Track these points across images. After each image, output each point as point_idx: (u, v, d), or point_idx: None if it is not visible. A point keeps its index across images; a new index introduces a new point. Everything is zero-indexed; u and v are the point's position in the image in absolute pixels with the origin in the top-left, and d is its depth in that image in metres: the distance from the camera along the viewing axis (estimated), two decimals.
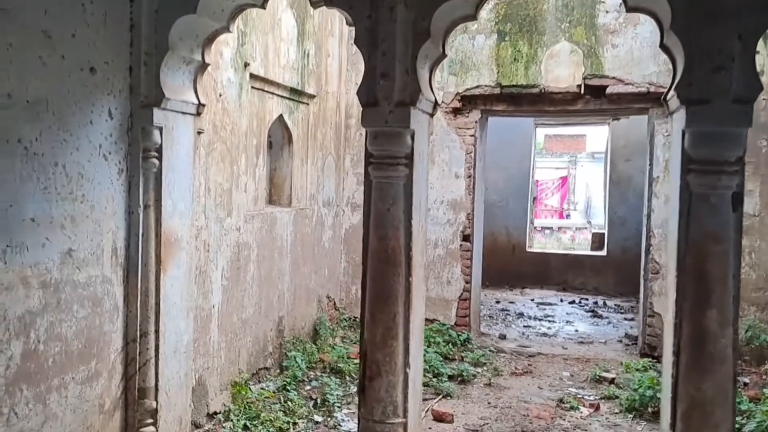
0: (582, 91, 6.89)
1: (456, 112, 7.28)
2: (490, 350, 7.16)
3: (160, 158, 3.93)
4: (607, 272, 11.67)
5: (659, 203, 6.70)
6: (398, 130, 3.42)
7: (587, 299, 10.87)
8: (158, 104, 3.86)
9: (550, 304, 10.42)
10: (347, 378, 5.99)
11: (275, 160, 6.21)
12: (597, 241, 12.87)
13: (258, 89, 5.51)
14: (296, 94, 6.24)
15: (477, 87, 7.20)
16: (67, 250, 3.41)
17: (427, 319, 7.26)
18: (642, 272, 6.91)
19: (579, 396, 5.99)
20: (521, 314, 9.51)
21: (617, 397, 5.81)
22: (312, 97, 6.57)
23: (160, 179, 3.94)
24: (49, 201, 3.29)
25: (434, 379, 6.04)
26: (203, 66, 4.14)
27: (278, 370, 6.00)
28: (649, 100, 6.81)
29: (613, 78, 6.86)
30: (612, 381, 6.30)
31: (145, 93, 3.85)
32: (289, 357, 5.98)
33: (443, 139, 7.29)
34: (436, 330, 7.12)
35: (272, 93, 5.80)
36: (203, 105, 4.26)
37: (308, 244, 6.67)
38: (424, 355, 6.40)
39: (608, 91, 6.84)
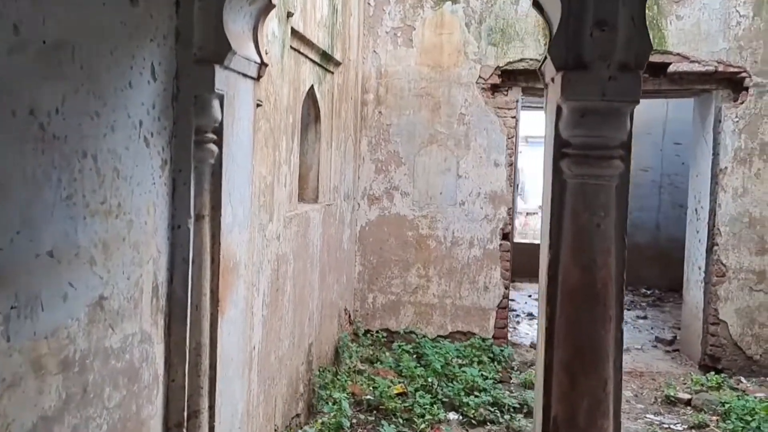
0: None
1: (494, 89, 6.15)
2: (532, 365, 6.15)
3: (219, 143, 2.58)
4: None
5: (727, 198, 5.88)
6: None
7: None
8: (221, 60, 2.49)
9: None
10: (399, 421, 4.78)
11: (301, 144, 4.86)
12: None
13: (295, 50, 4.16)
14: (326, 60, 4.91)
15: (520, 60, 6.09)
16: (97, 299, 2.04)
17: (460, 332, 6.17)
18: (704, 275, 6.10)
19: (666, 426, 5.08)
20: (531, 315, 8.61)
21: (715, 427, 4.94)
22: (338, 64, 5.25)
23: (218, 175, 2.59)
24: (75, 219, 1.90)
25: (498, 412, 4.96)
26: (269, 6, 2.80)
27: (307, 413, 4.72)
28: (715, 81, 5.95)
29: (677, 54, 5.92)
30: (688, 402, 5.44)
31: (200, 42, 2.47)
32: (322, 397, 4.71)
33: (480, 120, 6.14)
34: (477, 346, 6.03)
35: (306, 56, 4.45)
36: (265, 65, 2.91)
37: (333, 247, 5.39)
38: (473, 378, 5.33)
39: (671, 69, 5.90)
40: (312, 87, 4.66)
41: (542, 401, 2.47)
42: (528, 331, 7.61)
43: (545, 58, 2.66)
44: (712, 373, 5.90)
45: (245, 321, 2.94)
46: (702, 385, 5.64)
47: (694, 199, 6.40)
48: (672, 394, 5.53)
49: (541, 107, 11.89)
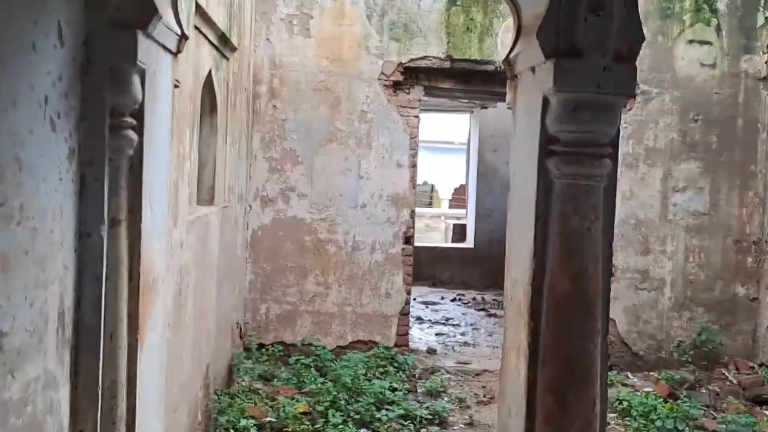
0: None
1: (396, 86, 5.92)
2: (434, 372, 6.00)
3: (139, 129, 2.07)
4: (474, 265, 11.21)
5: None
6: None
7: (464, 295, 10.28)
8: (144, 25, 1.99)
9: (435, 303, 9.58)
10: None
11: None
12: (459, 232, 12.39)
13: (197, 29, 3.62)
14: (223, 44, 4.38)
15: (423, 58, 5.91)
16: None
17: (361, 342, 5.88)
18: None
19: None
20: (420, 318, 8.52)
21: (616, 425, 5.06)
22: (234, 50, 4.73)
23: (138, 169, 2.08)
24: None
25: (411, 426, 4.71)
26: None
27: None
28: None
29: None
30: None
31: (118, 1, 1.95)
32: (221, 424, 4.18)
33: (383, 118, 5.88)
34: (381, 356, 5.74)
35: (206, 37, 3.92)
36: (185, 38, 2.42)
37: (228, 255, 4.84)
38: (381, 390, 5.04)
39: None
40: (210, 73, 4.12)
41: (524, 426, 2.22)
42: (420, 336, 7.47)
43: (512, 47, 2.45)
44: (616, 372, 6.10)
45: (162, 348, 2.42)
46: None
47: None
48: None
49: (444, 110, 11.76)
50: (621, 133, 5.75)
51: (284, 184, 5.82)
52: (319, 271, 5.89)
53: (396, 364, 5.74)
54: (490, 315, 8.82)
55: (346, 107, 5.83)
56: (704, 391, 5.61)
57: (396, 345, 6.00)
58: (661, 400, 5.19)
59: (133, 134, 2.03)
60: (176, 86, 2.68)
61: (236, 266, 5.30)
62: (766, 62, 6.08)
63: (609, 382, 5.60)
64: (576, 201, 2.13)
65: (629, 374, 6.08)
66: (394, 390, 5.15)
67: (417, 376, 5.85)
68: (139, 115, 2.05)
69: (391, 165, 5.89)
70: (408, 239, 6.00)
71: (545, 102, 2.17)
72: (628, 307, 6.14)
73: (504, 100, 5.65)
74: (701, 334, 6.06)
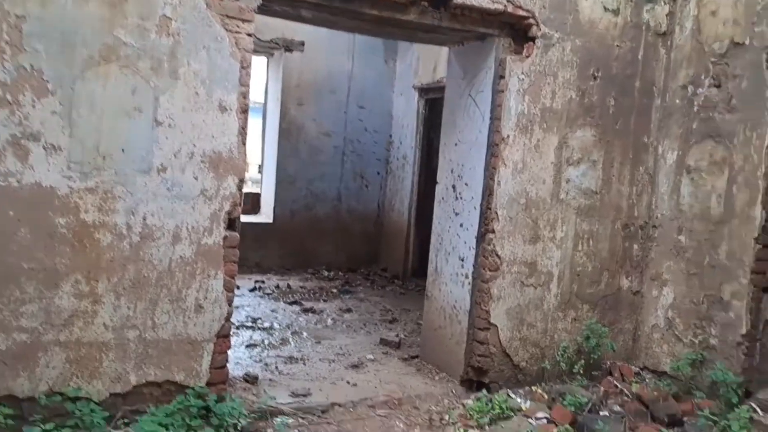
0: None
1: None
2: (265, 418, 4.08)
3: None
4: (273, 243, 9.33)
5: (507, 174, 4.72)
6: None
7: (263, 282, 8.39)
8: None
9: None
10: None
11: None
12: (250, 203, 10.27)
13: None
14: None
15: None
16: None
17: (153, 385, 3.80)
18: (472, 268, 4.88)
19: None
20: (254, 321, 6.46)
21: None
22: None
23: None
24: None
25: None
26: None
27: None
28: (499, 25, 4.62)
29: None
30: None
31: None
32: None
33: (198, 32, 3.66)
34: (186, 408, 3.64)
35: None
36: None
37: None
38: None
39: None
40: None
41: None
42: (250, 355, 5.41)
43: None
44: (483, 391, 4.76)
45: None
46: (481, 412, 4.41)
47: (451, 174, 5.13)
48: None
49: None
50: (516, 87, 4.35)
51: (19, 128, 3.33)
52: (81, 276, 3.55)
53: (216, 419, 3.70)
54: (306, 311, 7.05)
55: (135, 6, 3.51)
56: (607, 414, 4.57)
57: (210, 384, 3.94)
58: None
59: None
60: None
61: None
62: (667, 14, 5.15)
63: (500, 410, 4.31)
64: None
65: (510, 392, 4.82)
66: None
67: (242, 429, 3.89)
68: None
69: (209, 107, 3.72)
70: (232, 222, 3.94)
71: None
72: (512, 309, 4.85)
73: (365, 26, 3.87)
74: (589, 339, 5.04)
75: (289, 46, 9.13)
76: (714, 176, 4.85)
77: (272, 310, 7.01)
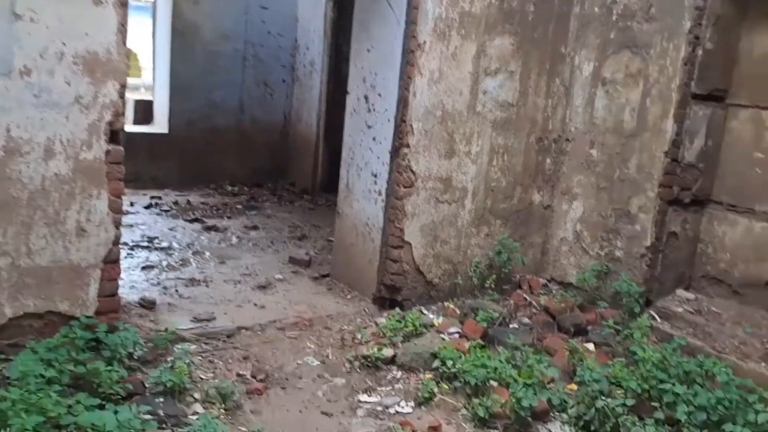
0: None
1: None
2: (163, 345, 3.79)
3: None
4: (170, 156, 8.67)
5: (423, 84, 4.43)
6: None
7: (160, 198, 7.83)
8: None
9: (123, 212, 6.94)
10: None
11: None
12: (141, 111, 9.44)
13: None
14: None
15: None
16: None
17: (33, 316, 3.39)
18: (385, 185, 4.65)
19: (391, 409, 3.61)
20: (150, 241, 5.96)
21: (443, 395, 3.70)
22: None
23: None
24: None
25: None
26: None
27: None
28: None
29: None
30: (393, 360, 4.08)
31: None
32: None
33: None
34: (76, 340, 3.28)
35: None
36: None
37: None
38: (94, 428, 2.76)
39: None
40: None
41: None
42: (147, 278, 5.00)
43: None
44: (396, 309, 4.66)
45: None
46: (394, 330, 4.32)
47: (363, 83, 4.77)
48: (372, 353, 4.04)
49: None
50: None
51: None
52: None
53: (108, 351, 3.37)
54: (209, 228, 6.65)
55: None
56: (517, 326, 4.61)
57: (100, 313, 3.57)
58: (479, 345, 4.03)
59: None
60: None
61: None
62: None
63: (413, 328, 4.24)
64: None
65: (423, 309, 4.77)
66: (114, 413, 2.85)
67: (139, 359, 3.59)
68: None
69: None
70: (115, 135, 3.44)
71: None
72: (426, 226, 4.70)
73: None
74: (501, 254, 5.01)
75: None
76: (629, 89, 4.79)
77: (171, 229, 6.55)
